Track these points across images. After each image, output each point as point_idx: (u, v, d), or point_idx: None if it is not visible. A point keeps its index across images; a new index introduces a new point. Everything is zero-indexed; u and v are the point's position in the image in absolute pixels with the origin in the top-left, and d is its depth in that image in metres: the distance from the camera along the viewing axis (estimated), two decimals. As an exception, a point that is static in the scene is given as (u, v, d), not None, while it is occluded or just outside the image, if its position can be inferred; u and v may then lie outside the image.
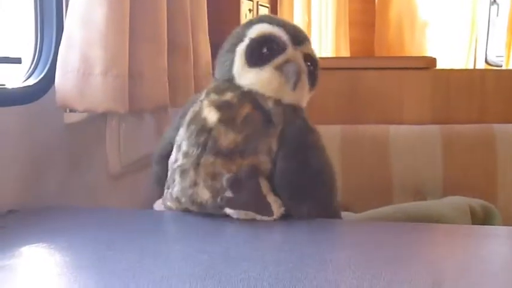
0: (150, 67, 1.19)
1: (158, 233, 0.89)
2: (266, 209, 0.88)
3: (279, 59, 0.90)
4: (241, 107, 0.89)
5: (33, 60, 1.10)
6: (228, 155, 0.87)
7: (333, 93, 1.70)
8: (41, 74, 1.08)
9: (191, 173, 0.88)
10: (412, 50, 3.68)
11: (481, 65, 3.62)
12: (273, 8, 2.51)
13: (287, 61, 0.90)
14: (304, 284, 0.61)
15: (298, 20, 2.90)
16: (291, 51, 0.91)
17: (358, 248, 0.79)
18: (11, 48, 1.11)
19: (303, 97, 0.94)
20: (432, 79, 1.70)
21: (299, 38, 0.93)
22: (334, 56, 3.26)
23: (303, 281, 0.63)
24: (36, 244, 0.78)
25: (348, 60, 2.30)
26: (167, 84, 1.23)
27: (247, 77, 0.90)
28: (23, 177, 1.02)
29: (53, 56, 1.09)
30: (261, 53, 0.90)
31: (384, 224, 1.09)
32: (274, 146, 0.88)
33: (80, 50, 1.05)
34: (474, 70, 3.00)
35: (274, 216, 0.88)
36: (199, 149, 0.88)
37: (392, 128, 1.63)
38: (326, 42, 3.22)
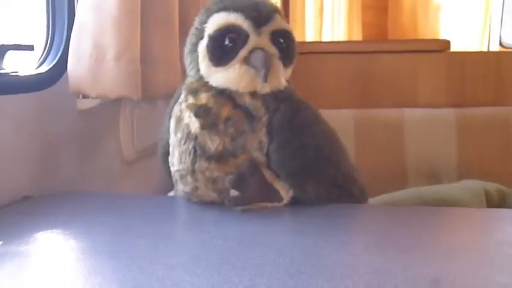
0: (163, 52, 1.18)
1: (173, 218, 0.90)
2: (275, 196, 0.87)
3: (243, 52, 0.84)
4: (219, 109, 0.85)
5: (45, 47, 1.10)
6: (220, 158, 0.85)
7: (346, 78, 1.70)
8: (53, 60, 1.08)
9: (189, 180, 0.88)
10: (426, 33, 3.65)
11: (495, 47, 3.58)
12: (285, -9, 2.49)
13: (252, 51, 0.84)
14: (319, 268, 0.61)
15: (310, 4, 2.88)
16: (253, 38, 0.84)
17: (374, 231, 0.79)
18: (23, 36, 1.11)
19: (280, 81, 0.87)
20: (446, 62, 1.69)
21: (262, 17, 0.85)
22: (346, 39, 3.24)
23: (318, 265, 0.62)
24: (50, 230, 0.78)
25: (362, 44, 2.28)
26: (180, 69, 1.22)
27: (216, 78, 0.86)
28: (37, 164, 1.02)
29: (65, 42, 1.09)
30: (223, 47, 0.84)
31: (399, 207, 1.08)
32: (265, 139, 0.86)
33: (92, 36, 1.04)
34: (489, 52, 2.97)
35: (285, 201, 0.88)
36: (191, 156, 0.86)
37: (407, 112, 1.62)
38: (338, 26, 3.20)
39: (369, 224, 0.86)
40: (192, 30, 0.90)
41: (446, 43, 1.74)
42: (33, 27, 1.12)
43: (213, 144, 0.85)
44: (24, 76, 1.02)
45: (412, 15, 3.75)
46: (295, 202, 0.88)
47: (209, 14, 0.87)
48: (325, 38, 3.11)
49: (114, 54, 1.04)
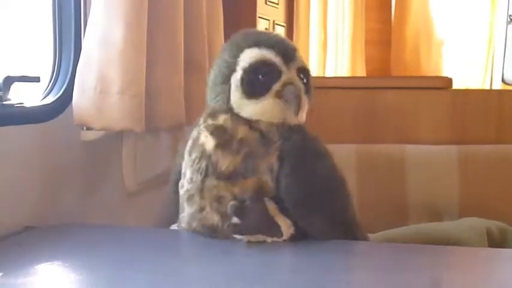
0: (167, 86, 1.20)
1: (174, 252, 0.89)
2: (275, 231, 0.87)
3: (276, 86, 0.88)
4: (235, 129, 0.88)
5: (51, 79, 1.11)
6: (229, 177, 0.86)
7: (350, 113, 1.70)
8: (58, 92, 1.10)
9: (197, 198, 0.89)
10: (429, 69, 3.67)
11: (497, 84, 3.60)
12: (289, 26, 2.52)
13: (285, 85, 0.88)
14: (319, 307, 0.61)
15: (314, 39, 2.90)
16: (286, 73, 0.89)
17: (374, 269, 0.79)
18: (29, 67, 1.12)
19: (304, 114, 0.93)
20: (449, 99, 1.70)
21: (289, 54, 0.91)
22: (350, 75, 3.26)
23: (317, 304, 0.62)
24: (51, 262, 0.78)
25: (365, 80, 2.30)
26: (183, 102, 1.24)
27: (248, 109, 0.89)
28: (40, 194, 1.02)
29: (71, 74, 1.10)
30: (257, 81, 0.89)
31: (399, 245, 1.08)
32: (275, 164, 0.87)
33: (98, 69, 1.06)
34: (491, 90, 2.99)
35: (284, 237, 0.87)
36: (202, 174, 0.88)
37: (409, 148, 1.62)
38: (342, 61, 3.22)
39: (369, 262, 0.86)
40: (220, 63, 0.92)
41: (449, 81, 1.75)
42: (39, 59, 1.14)
43: (225, 163, 0.87)
44: (30, 107, 1.03)
45: (415, 50, 3.77)
46: (296, 237, 0.88)
47: (240, 48, 0.91)
48: (329, 72, 3.13)
49: (119, 88, 1.06)
